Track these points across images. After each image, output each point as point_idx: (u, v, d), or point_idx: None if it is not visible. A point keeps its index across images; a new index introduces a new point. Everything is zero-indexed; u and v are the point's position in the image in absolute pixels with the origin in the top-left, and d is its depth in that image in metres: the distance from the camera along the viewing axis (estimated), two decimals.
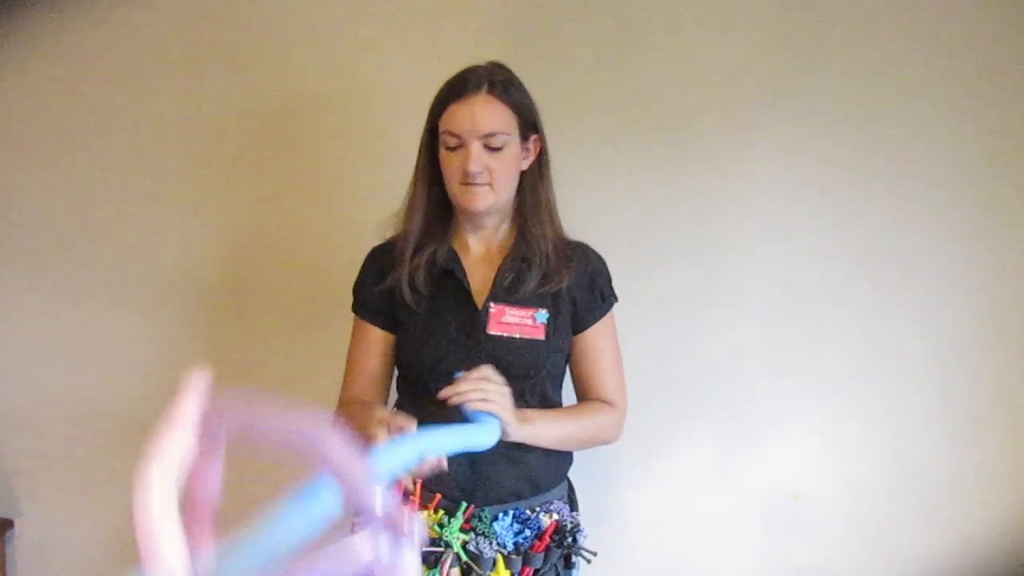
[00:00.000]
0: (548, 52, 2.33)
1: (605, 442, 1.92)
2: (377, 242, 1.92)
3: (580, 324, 1.85)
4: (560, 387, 1.92)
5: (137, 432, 2.48)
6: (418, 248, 1.82)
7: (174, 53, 2.44)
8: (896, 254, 2.39)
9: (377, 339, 1.86)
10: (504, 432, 1.61)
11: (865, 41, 2.33)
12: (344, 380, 1.89)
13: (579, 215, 2.35)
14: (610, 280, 1.93)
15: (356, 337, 1.88)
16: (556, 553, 1.81)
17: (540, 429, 1.72)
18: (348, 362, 1.90)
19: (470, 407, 1.57)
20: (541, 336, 1.78)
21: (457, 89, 1.73)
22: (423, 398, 1.76)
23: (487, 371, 1.62)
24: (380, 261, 1.88)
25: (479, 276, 1.82)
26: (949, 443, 2.43)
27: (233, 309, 2.51)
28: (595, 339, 1.86)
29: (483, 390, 1.59)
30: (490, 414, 1.59)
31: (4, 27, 2.43)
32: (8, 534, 2.55)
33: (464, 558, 1.72)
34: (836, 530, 2.49)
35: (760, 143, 2.36)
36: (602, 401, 1.89)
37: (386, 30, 2.39)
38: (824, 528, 2.49)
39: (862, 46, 2.33)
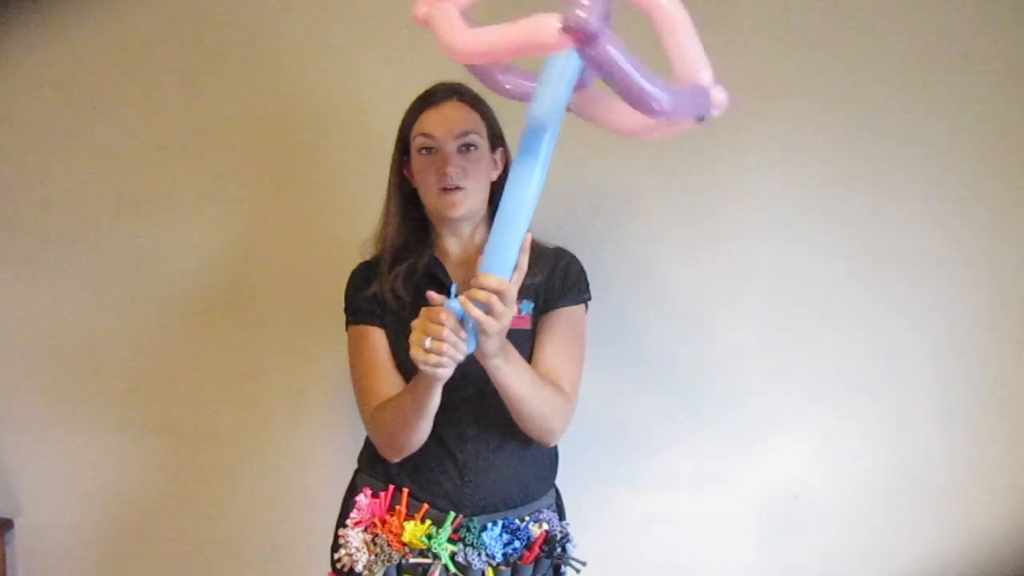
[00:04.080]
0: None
1: (549, 429, 1.78)
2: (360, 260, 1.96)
3: (547, 306, 1.83)
4: None
5: (137, 433, 2.51)
6: (397, 261, 1.85)
7: (176, 57, 2.44)
8: (895, 254, 2.39)
9: (383, 339, 1.84)
10: (480, 344, 1.53)
11: (866, 41, 2.33)
12: (364, 392, 1.83)
13: (579, 216, 2.35)
14: (584, 279, 1.92)
15: (360, 346, 1.85)
16: (546, 564, 1.81)
17: (511, 367, 1.63)
18: (360, 375, 1.85)
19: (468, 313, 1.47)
20: (527, 326, 1.80)
21: (429, 99, 1.83)
22: None
23: (505, 288, 1.47)
24: (364, 275, 1.90)
25: (460, 277, 1.83)
26: (948, 443, 2.44)
27: (235, 311, 2.51)
28: (558, 325, 1.83)
29: (491, 305, 1.46)
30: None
31: (4, 27, 2.43)
32: (8, 534, 2.56)
33: (452, 569, 1.72)
34: (836, 530, 2.49)
35: (760, 144, 2.36)
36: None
37: (390, 38, 2.38)
38: (824, 528, 2.49)
39: (863, 46, 2.33)
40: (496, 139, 1.85)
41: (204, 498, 2.57)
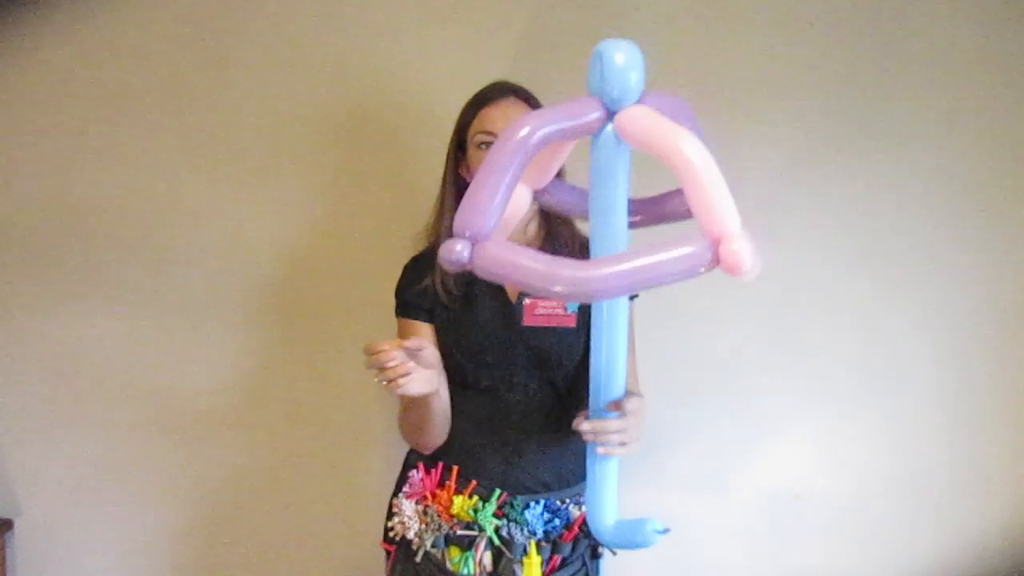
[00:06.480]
0: (560, 56, 2.36)
1: None
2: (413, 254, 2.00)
3: None
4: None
5: (137, 432, 2.48)
6: None
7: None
8: (895, 255, 2.43)
9: (428, 335, 1.88)
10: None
11: (865, 40, 2.37)
12: None
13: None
14: None
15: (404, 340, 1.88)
16: (583, 543, 1.86)
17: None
18: None
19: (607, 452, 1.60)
20: (573, 324, 1.84)
21: (486, 97, 1.87)
22: (461, 385, 1.87)
23: (633, 406, 1.63)
24: (416, 268, 1.94)
25: None
26: (948, 443, 2.47)
27: (246, 310, 2.50)
28: None
29: (625, 432, 1.61)
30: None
31: (24, 17, 2.41)
32: (8, 534, 2.52)
33: (496, 542, 1.78)
34: (836, 530, 2.52)
35: (760, 144, 2.39)
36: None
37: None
38: (824, 528, 2.52)
39: (862, 45, 2.37)
40: None
41: (205, 498, 2.55)
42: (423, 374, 1.62)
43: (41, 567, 2.57)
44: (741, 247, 1.18)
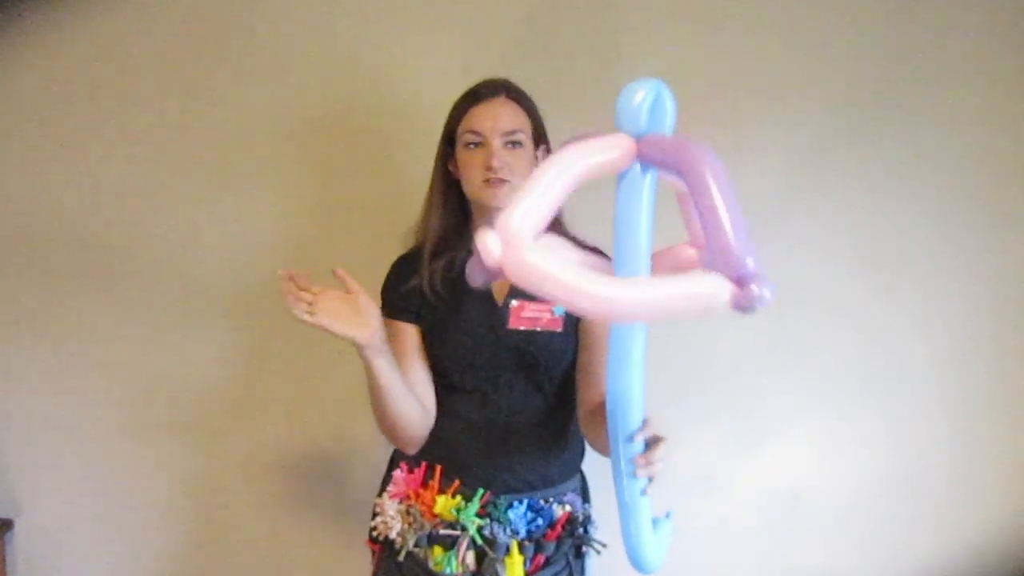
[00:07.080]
0: (556, 56, 2.38)
1: None
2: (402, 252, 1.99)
3: None
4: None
5: (138, 432, 2.48)
6: (436, 254, 1.88)
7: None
8: (895, 254, 2.42)
9: (413, 335, 1.88)
10: None
11: (866, 41, 2.36)
12: None
13: (581, 214, 2.36)
14: None
15: (391, 342, 1.83)
16: (567, 542, 1.85)
17: None
18: None
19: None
20: (559, 328, 1.82)
21: (477, 94, 1.84)
22: (449, 388, 1.88)
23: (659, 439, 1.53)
24: (404, 267, 1.93)
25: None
26: (948, 443, 2.46)
27: (238, 318, 2.50)
28: (600, 330, 1.84)
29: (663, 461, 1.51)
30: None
31: (26, 14, 2.42)
32: (8, 534, 2.54)
33: (479, 542, 1.77)
34: (836, 530, 2.51)
35: (760, 144, 2.38)
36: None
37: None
38: (824, 528, 2.51)
39: (862, 45, 2.36)
40: (540, 137, 1.86)
41: (205, 499, 2.56)
42: (341, 308, 1.64)
43: (41, 567, 2.59)
44: (764, 291, 1.09)
